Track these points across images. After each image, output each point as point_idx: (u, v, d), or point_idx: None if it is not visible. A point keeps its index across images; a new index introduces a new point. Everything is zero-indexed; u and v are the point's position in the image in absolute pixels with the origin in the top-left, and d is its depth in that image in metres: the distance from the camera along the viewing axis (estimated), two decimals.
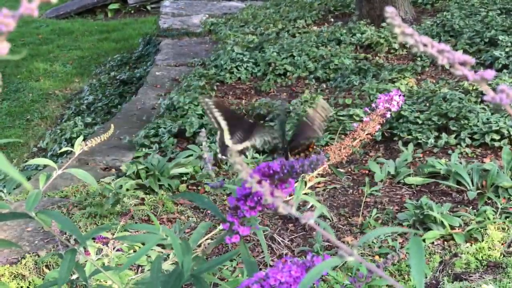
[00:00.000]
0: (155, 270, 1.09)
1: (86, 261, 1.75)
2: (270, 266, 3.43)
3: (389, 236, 3.59)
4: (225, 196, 4.07)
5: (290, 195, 1.51)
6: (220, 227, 1.28)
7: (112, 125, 1.94)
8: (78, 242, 1.73)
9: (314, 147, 1.53)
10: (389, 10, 0.53)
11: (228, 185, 1.35)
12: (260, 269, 3.45)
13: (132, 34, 10.35)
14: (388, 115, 1.51)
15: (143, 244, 2.45)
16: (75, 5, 12.10)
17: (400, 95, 1.50)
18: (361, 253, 3.44)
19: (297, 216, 0.58)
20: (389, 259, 1.11)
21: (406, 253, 3.30)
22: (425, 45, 0.51)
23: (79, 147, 1.71)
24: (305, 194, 1.50)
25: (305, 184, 1.40)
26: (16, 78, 8.54)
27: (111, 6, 11.94)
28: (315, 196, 4.13)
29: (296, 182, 1.42)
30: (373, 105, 1.51)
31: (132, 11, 11.93)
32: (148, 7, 11.89)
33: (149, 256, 2.87)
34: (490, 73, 0.51)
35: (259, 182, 0.69)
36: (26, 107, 7.60)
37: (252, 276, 0.90)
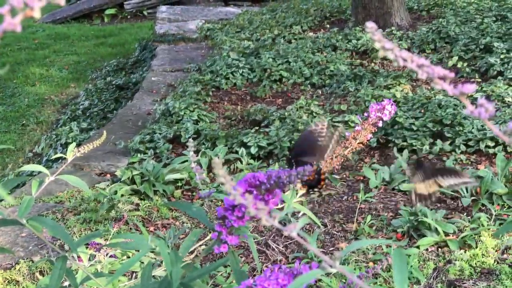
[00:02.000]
0: (145, 277, 1.09)
1: (78, 268, 1.75)
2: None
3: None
4: (220, 202, 4.07)
5: (283, 202, 1.51)
6: None
7: (104, 132, 1.94)
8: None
9: (326, 180, 1.50)
10: (369, 25, 0.53)
11: (216, 194, 1.35)
12: (254, 275, 3.45)
13: (128, 39, 10.36)
14: (380, 124, 1.52)
15: (137, 250, 2.44)
16: (71, 10, 12.10)
17: (392, 104, 1.51)
18: (355, 259, 3.45)
19: (280, 227, 0.59)
20: (378, 264, 1.11)
21: None
22: (405, 60, 0.51)
23: (72, 153, 1.71)
24: (298, 202, 1.50)
25: (297, 193, 1.40)
26: (12, 83, 8.54)
27: (108, 11, 11.95)
28: (310, 202, 4.14)
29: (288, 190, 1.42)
30: (365, 114, 1.52)
31: (129, 16, 11.94)
32: (145, 12, 11.90)
33: (142, 262, 2.87)
34: (469, 87, 0.51)
35: (246, 193, 0.69)
36: (22, 112, 7.60)
37: (240, 284, 0.91)
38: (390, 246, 3.55)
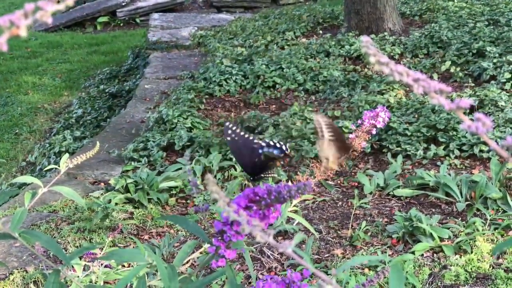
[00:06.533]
0: None
1: (72, 280, 1.73)
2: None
3: (378, 248, 3.59)
4: (214, 210, 4.05)
5: None
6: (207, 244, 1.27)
7: (97, 143, 1.93)
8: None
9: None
10: (364, 40, 0.53)
11: (214, 207, 1.35)
12: (249, 283, 3.44)
13: (121, 47, 10.35)
14: (374, 132, 1.51)
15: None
16: (64, 18, 12.09)
17: (385, 112, 1.50)
18: (350, 266, 3.43)
19: (274, 244, 0.58)
20: (375, 277, 1.11)
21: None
22: (400, 74, 0.51)
23: (65, 164, 1.70)
24: (292, 211, 1.49)
25: (291, 202, 1.40)
26: (4, 92, 8.51)
27: (100, 19, 11.93)
28: (305, 209, 4.13)
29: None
30: (359, 121, 1.51)
31: (121, 24, 11.93)
32: (137, 20, 11.89)
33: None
34: (466, 102, 0.51)
35: (245, 208, 0.68)
36: (15, 121, 7.57)
37: None
38: (386, 252, 3.55)
